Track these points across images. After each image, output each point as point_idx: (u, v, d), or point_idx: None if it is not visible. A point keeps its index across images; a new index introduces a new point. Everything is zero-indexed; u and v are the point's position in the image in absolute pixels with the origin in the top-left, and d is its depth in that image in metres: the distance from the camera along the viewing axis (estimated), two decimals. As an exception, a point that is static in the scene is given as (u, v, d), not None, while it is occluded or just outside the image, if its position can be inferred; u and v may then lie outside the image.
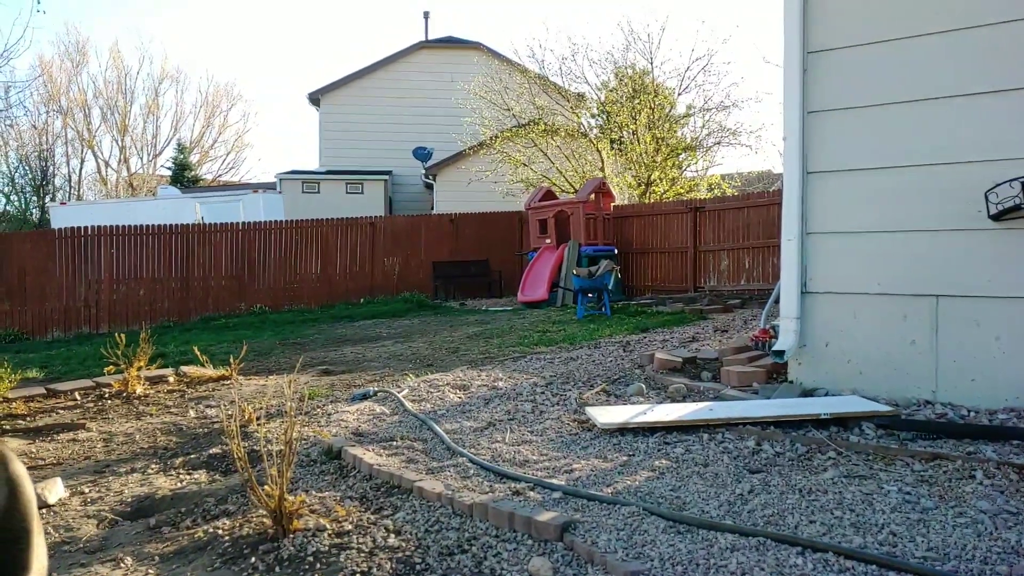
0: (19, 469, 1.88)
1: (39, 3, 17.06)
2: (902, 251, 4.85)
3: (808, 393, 5.06)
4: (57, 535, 3.73)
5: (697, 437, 4.28)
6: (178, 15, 55.41)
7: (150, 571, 3.24)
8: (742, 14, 42.56)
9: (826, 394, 5.00)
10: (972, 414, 4.40)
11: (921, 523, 2.94)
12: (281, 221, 17.20)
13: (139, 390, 7.11)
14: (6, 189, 30.69)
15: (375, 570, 2.94)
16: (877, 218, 4.94)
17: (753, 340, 6.23)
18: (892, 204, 4.89)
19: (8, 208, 30.71)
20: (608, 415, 4.67)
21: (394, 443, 4.64)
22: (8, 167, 30.72)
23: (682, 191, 19.46)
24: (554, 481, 3.65)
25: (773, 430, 4.25)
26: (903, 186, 4.83)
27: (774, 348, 5.29)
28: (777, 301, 5.65)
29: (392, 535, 3.24)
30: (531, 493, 3.51)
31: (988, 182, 4.41)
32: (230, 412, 5.42)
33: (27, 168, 30.67)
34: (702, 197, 17.04)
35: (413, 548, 3.10)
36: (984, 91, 4.51)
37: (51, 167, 31.50)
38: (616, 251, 14.40)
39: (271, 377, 7.75)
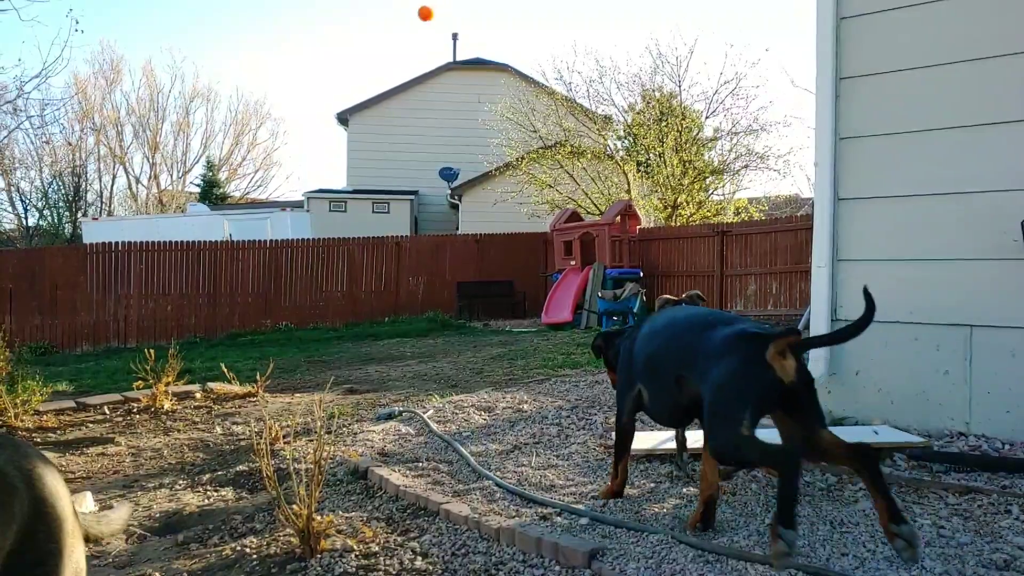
0: (50, 489, 1.82)
1: (77, 23, 17.42)
2: (935, 280, 4.78)
3: (838, 422, 4.99)
4: (87, 550, 3.76)
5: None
6: (210, 35, 56.49)
7: (178, 588, 3.26)
8: (771, 38, 42.59)
9: (856, 423, 4.93)
10: (1007, 447, 4.32)
11: (957, 558, 2.88)
12: (308, 239, 17.37)
13: (167, 405, 7.18)
14: (40, 204, 31.34)
15: (402, 593, 2.94)
16: (910, 246, 4.89)
17: (781, 367, 6.16)
18: (925, 232, 4.83)
19: (41, 223, 31.33)
20: (635, 441, 4.63)
21: (420, 464, 4.64)
22: (42, 182, 31.40)
23: (709, 215, 19.40)
24: (581, 507, 3.64)
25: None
26: (936, 214, 4.78)
27: (803, 375, 5.22)
28: (806, 327, 5.59)
29: (419, 558, 3.24)
30: (558, 518, 3.49)
31: (1023, 211, 4.35)
32: (257, 429, 5.46)
33: (60, 184, 31.30)
34: (729, 221, 16.98)
35: (440, 572, 3.09)
36: (1020, 119, 4.46)
37: (84, 183, 32.12)
38: (641, 274, 14.36)
39: (297, 395, 7.80)
